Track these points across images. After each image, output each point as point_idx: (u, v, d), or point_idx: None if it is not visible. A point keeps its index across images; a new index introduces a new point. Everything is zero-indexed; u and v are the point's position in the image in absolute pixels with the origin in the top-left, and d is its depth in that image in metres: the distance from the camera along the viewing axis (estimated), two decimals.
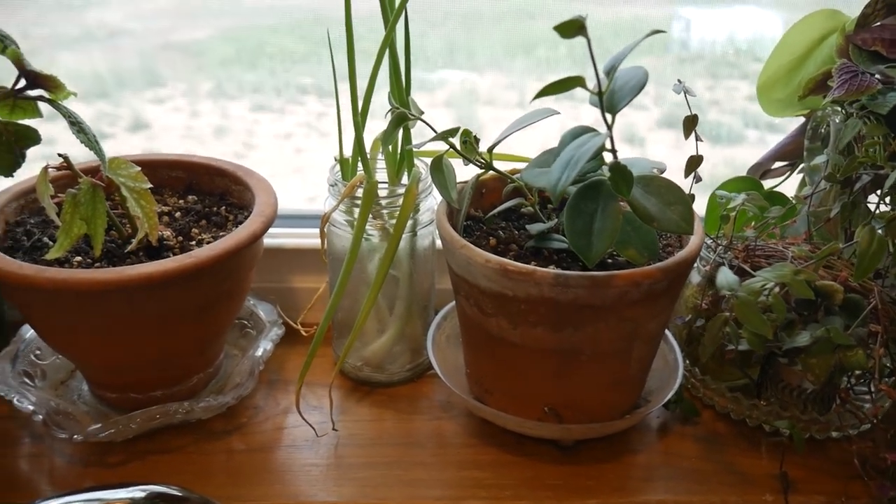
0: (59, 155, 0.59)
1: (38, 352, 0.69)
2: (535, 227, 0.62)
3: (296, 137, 0.99)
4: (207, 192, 0.72)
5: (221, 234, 0.66)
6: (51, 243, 0.63)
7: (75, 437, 0.59)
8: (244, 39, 1.00)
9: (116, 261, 0.61)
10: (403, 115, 0.62)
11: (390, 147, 0.66)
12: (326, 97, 0.95)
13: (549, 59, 0.94)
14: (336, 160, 0.69)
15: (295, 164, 1.00)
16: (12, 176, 0.55)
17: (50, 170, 0.59)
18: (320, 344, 0.61)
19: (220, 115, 0.98)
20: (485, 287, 0.57)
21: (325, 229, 0.68)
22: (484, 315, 0.60)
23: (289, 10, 0.94)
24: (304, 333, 0.74)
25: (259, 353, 0.69)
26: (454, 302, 0.75)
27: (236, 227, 0.66)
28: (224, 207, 0.70)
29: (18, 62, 0.49)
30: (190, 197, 0.72)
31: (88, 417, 0.64)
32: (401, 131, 0.66)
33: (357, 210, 0.66)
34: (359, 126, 0.62)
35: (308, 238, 0.80)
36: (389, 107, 0.63)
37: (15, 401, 0.62)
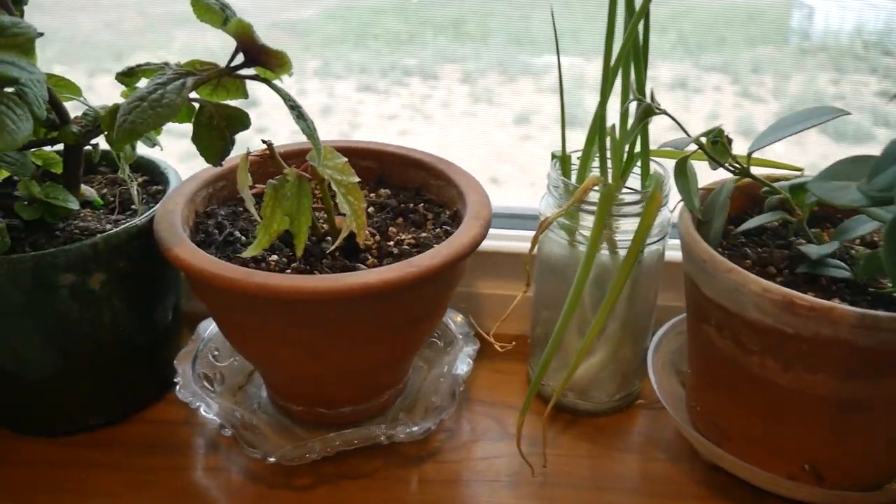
0: (263, 141, 0.52)
1: (216, 352, 0.64)
2: (814, 250, 0.51)
3: (400, 119, 0.96)
4: (401, 185, 0.65)
5: (423, 235, 0.58)
6: (242, 238, 0.56)
7: (269, 458, 0.53)
8: (349, 19, 0.99)
9: (313, 261, 0.54)
10: (649, 108, 0.53)
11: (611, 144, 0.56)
12: (430, 79, 0.93)
13: (658, 44, 0.85)
14: (555, 156, 0.60)
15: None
16: (221, 165, 0.48)
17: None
18: (511, 359, 0.53)
19: (327, 94, 0.96)
20: (753, 320, 0.47)
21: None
22: (742, 351, 0.50)
23: None
24: (498, 349, 0.65)
25: (459, 371, 0.61)
26: (671, 323, 0.66)
27: (438, 228, 0.58)
28: (422, 204, 0.62)
29: (245, 35, 0.42)
30: (382, 190, 0.64)
31: (273, 432, 0.58)
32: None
33: (582, 216, 0.57)
34: (603, 119, 0.53)
35: (499, 240, 0.72)
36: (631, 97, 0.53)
37: (201, 410, 0.56)
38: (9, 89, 0.43)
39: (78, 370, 0.57)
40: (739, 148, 0.53)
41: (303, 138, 0.48)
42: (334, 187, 0.53)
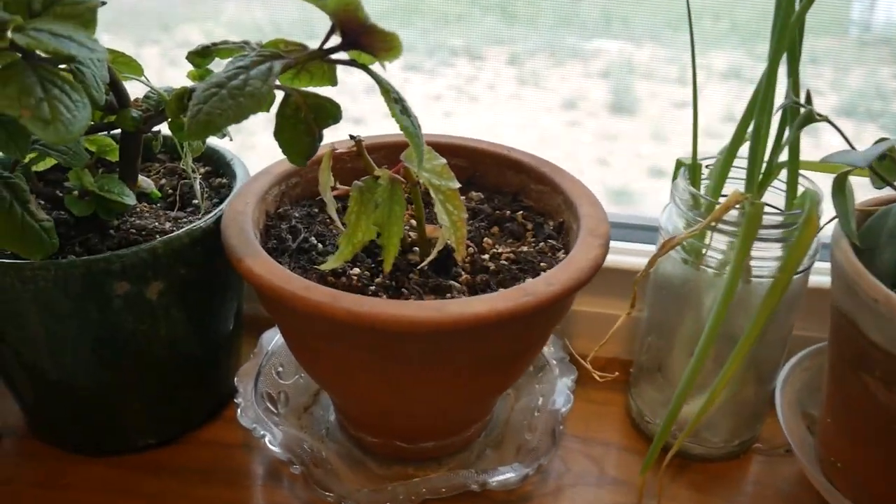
0: (351, 136, 0.45)
1: (280, 368, 0.57)
2: None
3: (445, 100, 0.91)
4: (495, 188, 0.57)
5: (523, 250, 0.50)
6: (319, 245, 0.49)
7: (343, 502, 0.46)
8: None
9: (400, 276, 0.46)
10: (811, 115, 0.44)
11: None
12: (477, 60, 0.89)
13: (712, 31, 0.85)
14: (682, 163, 0.51)
15: (443, 127, 0.88)
16: (306, 165, 0.41)
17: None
18: (607, 387, 0.45)
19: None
20: None
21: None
22: None
23: None
24: (597, 378, 0.57)
25: (558, 406, 0.53)
26: (798, 357, 0.57)
27: (542, 242, 0.50)
28: (521, 212, 0.54)
29: (349, 12, 0.34)
30: (473, 193, 0.56)
31: (344, 466, 0.51)
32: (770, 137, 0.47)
33: (712, 235, 0.49)
34: (760, 126, 0.44)
35: None
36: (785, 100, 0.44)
37: (266, 441, 0.49)
38: (62, 67, 0.36)
39: (128, 385, 0.51)
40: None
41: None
42: (431, 193, 0.45)
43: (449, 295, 0.45)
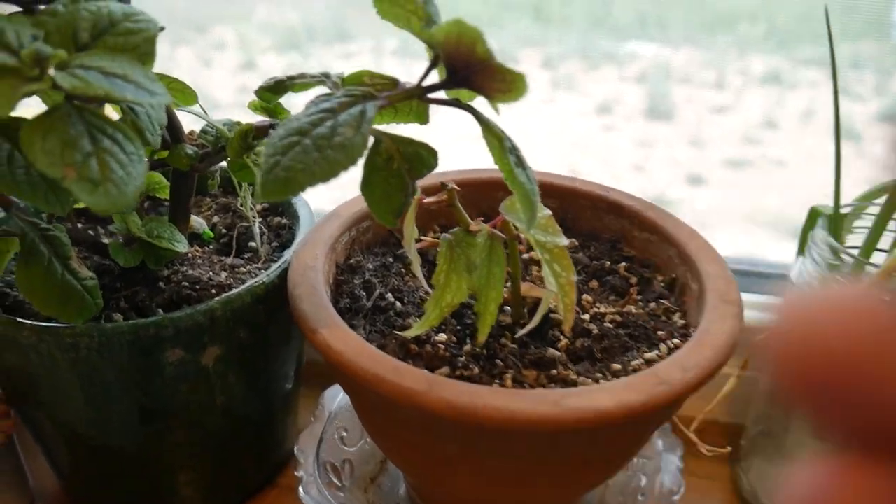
0: (443, 185, 0.38)
1: (344, 433, 0.50)
2: None
3: (477, 103, 0.87)
4: (590, 234, 0.50)
5: (630, 311, 0.43)
6: (397, 303, 0.42)
7: None
8: None
9: (490, 342, 0.40)
10: None
11: None
12: (509, 63, 0.84)
13: (749, 36, 0.84)
14: (819, 212, 0.44)
15: (475, 132, 0.84)
16: (397, 226, 0.34)
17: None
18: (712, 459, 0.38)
19: (406, 74, 0.84)
20: None
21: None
22: None
23: None
24: (705, 452, 0.50)
25: (666, 486, 0.46)
26: None
27: (652, 302, 0.43)
28: (623, 264, 0.47)
29: (465, 45, 0.28)
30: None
31: None
32: None
33: None
34: None
35: None
36: None
37: None
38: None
39: (176, 455, 0.45)
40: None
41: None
42: (536, 251, 0.38)
43: (553, 370, 0.39)
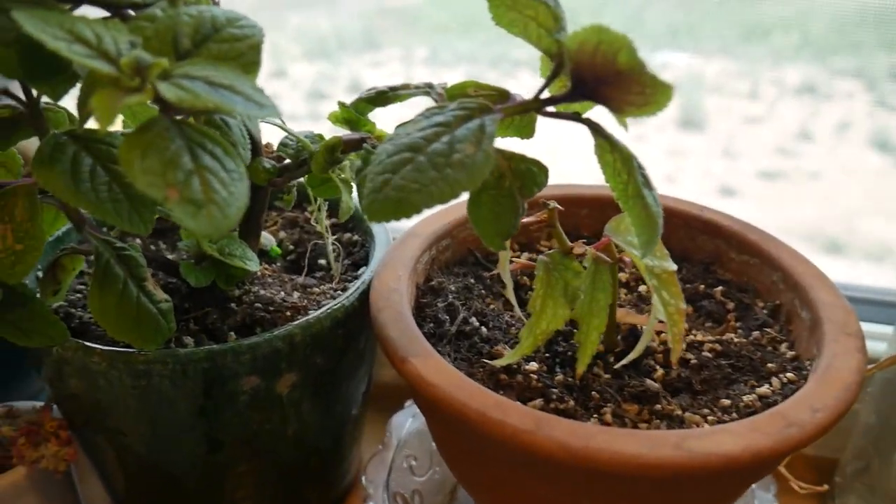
0: (544, 203, 0.35)
1: (413, 462, 0.48)
2: None
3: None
4: (681, 255, 0.47)
5: (731, 339, 0.40)
6: (482, 328, 0.40)
7: None
8: (457, 7, 0.96)
9: (583, 372, 0.37)
10: None
11: None
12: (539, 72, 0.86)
13: (783, 46, 0.83)
14: None
15: (504, 142, 0.85)
16: (505, 248, 0.32)
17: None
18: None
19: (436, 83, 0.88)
20: None
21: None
22: None
23: None
24: (798, 489, 0.47)
25: None
26: None
27: (756, 331, 0.40)
28: (720, 288, 0.44)
29: (601, 53, 0.25)
30: None
31: None
32: None
33: None
34: None
35: None
36: None
37: None
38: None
39: (243, 484, 0.42)
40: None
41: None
42: (643, 276, 0.36)
43: (656, 405, 0.36)
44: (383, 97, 0.33)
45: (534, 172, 0.31)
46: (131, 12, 0.28)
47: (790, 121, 0.76)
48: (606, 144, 0.29)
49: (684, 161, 0.89)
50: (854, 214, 0.79)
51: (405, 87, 0.32)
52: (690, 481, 0.31)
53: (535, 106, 0.29)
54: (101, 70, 0.24)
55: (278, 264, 0.47)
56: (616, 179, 0.30)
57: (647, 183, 0.29)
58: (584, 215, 0.48)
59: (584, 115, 0.30)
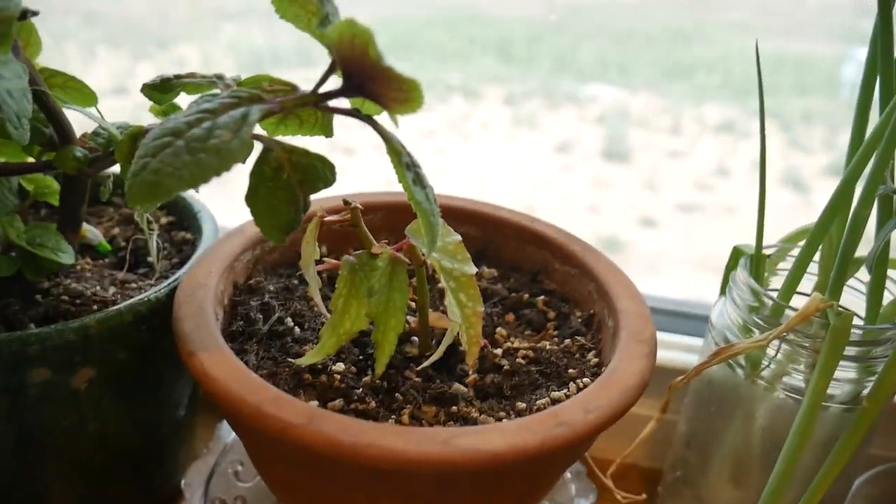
0: (345, 202, 0.36)
1: (239, 467, 0.47)
2: None
3: (438, 136, 0.92)
4: (511, 264, 0.48)
5: (544, 346, 0.41)
6: (296, 329, 0.40)
7: None
8: (396, 29, 0.97)
9: (393, 375, 0.37)
10: None
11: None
12: (472, 98, 0.91)
13: (706, 85, 0.89)
14: (742, 252, 0.43)
15: (434, 164, 0.84)
16: (285, 242, 0.32)
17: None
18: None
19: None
20: None
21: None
22: None
23: (441, 6, 0.92)
24: (620, 499, 0.48)
25: None
26: (861, 479, 0.48)
27: (567, 338, 0.41)
28: (542, 297, 0.45)
29: (357, 47, 0.26)
30: (486, 269, 0.47)
31: None
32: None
33: (779, 346, 0.40)
34: (859, 217, 0.36)
35: None
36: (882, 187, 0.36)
37: None
38: None
39: (45, 486, 0.41)
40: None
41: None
42: (441, 278, 0.36)
43: (454, 406, 0.36)
44: (167, 85, 0.33)
45: (317, 167, 0.31)
46: None
47: (709, 157, 0.80)
48: (386, 141, 0.30)
49: (608, 192, 0.92)
50: (765, 248, 0.82)
51: (192, 75, 0.32)
52: (461, 477, 0.31)
53: (313, 100, 0.29)
54: None
55: (106, 260, 0.45)
56: (399, 173, 0.31)
57: (419, 179, 0.30)
58: (462, 231, 0.49)
59: (362, 111, 0.30)
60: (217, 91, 0.30)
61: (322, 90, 0.29)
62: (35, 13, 0.30)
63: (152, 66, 0.98)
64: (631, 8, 0.85)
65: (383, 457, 0.29)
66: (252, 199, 0.30)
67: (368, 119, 0.30)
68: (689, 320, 0.58)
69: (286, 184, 0.30)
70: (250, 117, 0.27)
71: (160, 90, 0.33)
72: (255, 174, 0.30)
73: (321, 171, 0.31)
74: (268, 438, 0.31)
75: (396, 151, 0.29)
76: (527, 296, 0.45)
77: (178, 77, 0.32)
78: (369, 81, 0.27)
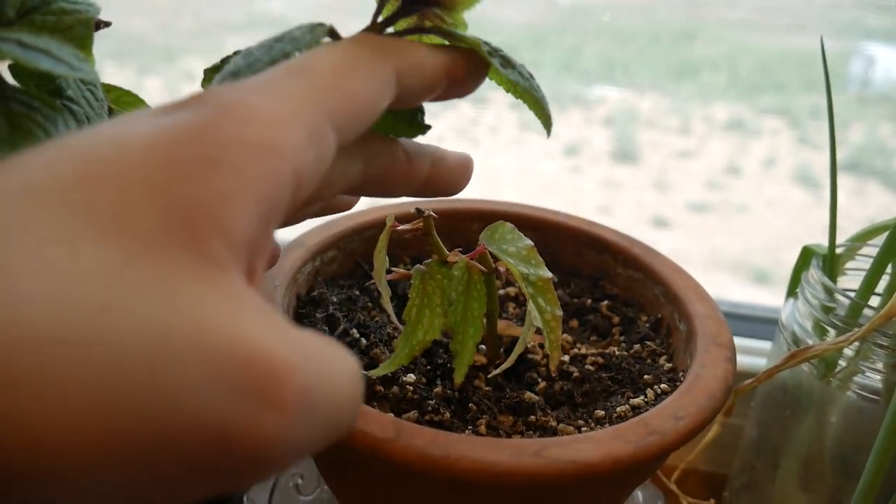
0: (418, 211, 0.35)
1: (300, 481, 0.46)
2: None
3: (447, 142, 0.89)
4: (570, 270, 0.47)
5: (613, 353, 0.40)
6: (363, 340, 0.39)
7: None
8: None
9: (463, 383, 0.36)
10: None
11: None
12: (479, 103, 0.92)
13: (713, 84, 0.88)
14: (814, 251, 0.42)
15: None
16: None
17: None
18: None
19: None
20: None
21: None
22: None
23: None
24: None
25: None
26: None
27: (637, 344, 0.41)
28: (605, 302, 0.44)
29: None
30: None
31: None
32: None
33: (860, 346, 0.39)
34: None
35: None
36: None
37: None
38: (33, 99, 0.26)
39: None
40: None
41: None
42: (518, 284, 0.35)
43: (531, 416, 0.35)
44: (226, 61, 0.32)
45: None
46: None
47: (719, 156, 0.78)
48: (460, 40, 0.28)
49: (619, 193, 0.92)
50: (779, 246, 0.81)
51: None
52: (553, 489, 0.30)
53: (376, 29, 0.28)
54: None
55: None
56: (498, 78, 0.29)
57: (508, 63, 0.28)
58: (478, 230, 0.48)
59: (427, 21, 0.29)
60: None
61: (381, 19, 0.28)
62: (108, 24, 0.29)
63: (160, 81, 0.98)
64: (633, 7, 0.85)
65: (475, 469, 0.29)
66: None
67: (435, 29, 0.28)
68: (746, 322, 0.57)
69: None
70: (317, 30, 0.26)
71: (218, 70, 0.32)
72: None
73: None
74: (353, 453, 0.31)
75: (475, 43, 0.28)
76: (589, 301, 0.44)
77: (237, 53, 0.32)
78: None
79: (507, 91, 0.29)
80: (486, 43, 0.28)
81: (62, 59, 0.23)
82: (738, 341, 0.54)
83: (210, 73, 0.28)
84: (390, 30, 0.28)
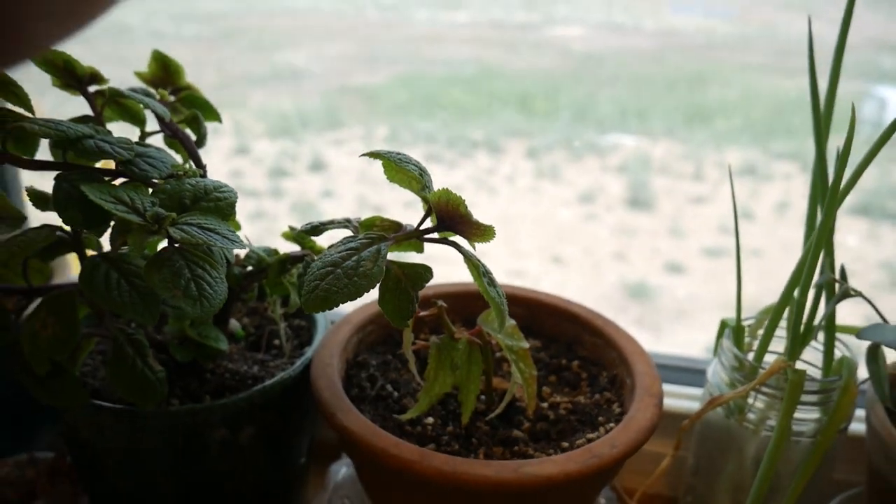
0: (433, 303, 0.50)
1: (347, 501, 0.60)
2: None
3: (465, 191, 0.99)
4: (551, 336, 0.62)
5: (580, 401, 0.54)
6: (394, 393, 0.54)
7: None
8: (418, 88, 1.01)
9: (468, 425, 0.51)
10: (847, 291, 0.49)
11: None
12: (496, 152, 0.90)
13: (726, 130, 0.90)
14: (727, 324, 0.56)
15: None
16: (407, 325, 0.46)
17: None
18: None
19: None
20: None
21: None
22: None
23: (460, 64, 0.95)
24: None
25: None
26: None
27: (597, 394, 0.55)
28: (576, 362, 0.59)
29: (451, 208, 0.40)
30: (531, 340, 0.61)
31: None
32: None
33: (756, 395, 0.53)
34: (802, 300, 0.49)
35: None
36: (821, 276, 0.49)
37: None
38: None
39: None
40: None
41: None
42: (505, 353, 0.50)
43: (515, 447, 0.50)
44: (316, 229, 0.47)
45: (420, 272, 0.45)
46: (155, 181, 0.43)
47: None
48: (467, 258, 0.44)
49: (633, 239, 0.94)
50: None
51: (332, 222, 0.47)
52: (527, 496, 0.44)
53: (417, 235, 0.44)
54: (134, 220, 0.38)
55: (242, 344, 0.60)
56: (478, 280, 0.45)
57: (492, 282, 0.44)
58: (479, 305, 0.63)
59: (451, 239, 0.45)
60: (353, 236, 0.44)
61: (423, 227, 0.44)
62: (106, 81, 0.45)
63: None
64: (646, 54, 0.88)
65: (474, 481, 0.43)
66: (384, 303, 0.44)
67: (456, 245, 0.44)
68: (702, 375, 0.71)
69: (403, 288, 0.44)
70: (382, 251, 0.42)
71: (311, 233, 0.48)
72: (383, 287, 0.44)
73: (423, 275, 0.45)
74: (391, 472, 0.45)
75: (475, 265, 0.43)
76: (564, 361, 0.59)
77: (322, 224, 0.47)
78: (458, 225, 0.42)
79: (485, 297, 0.44)
80: (483, 266, 0.43)
81: (225, 236, 0.38)
82: (691, 390, 0.68)
83: (302, 234, 0.44)
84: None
